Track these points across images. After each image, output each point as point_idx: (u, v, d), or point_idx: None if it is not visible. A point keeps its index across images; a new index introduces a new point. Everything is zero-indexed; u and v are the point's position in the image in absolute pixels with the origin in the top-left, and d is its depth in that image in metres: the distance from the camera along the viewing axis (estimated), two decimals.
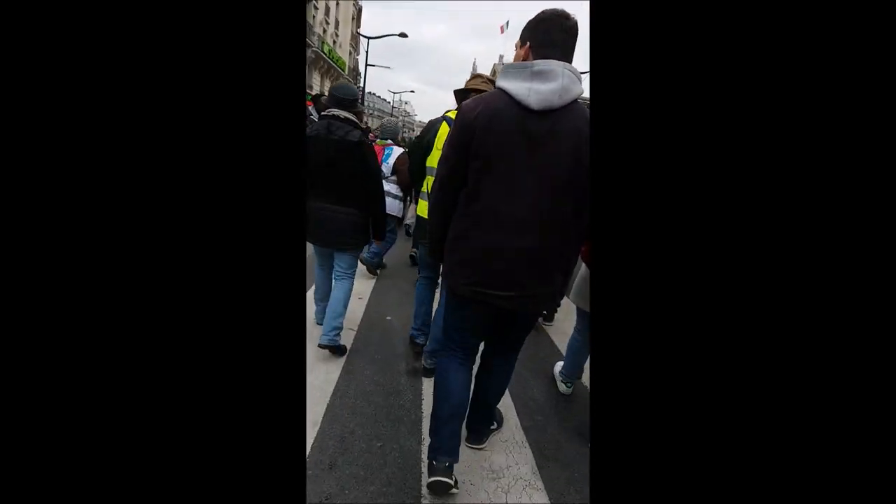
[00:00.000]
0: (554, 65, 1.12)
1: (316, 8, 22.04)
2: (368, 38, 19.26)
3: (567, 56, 1.15)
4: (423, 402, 2.00)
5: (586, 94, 1.19)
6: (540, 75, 1.12)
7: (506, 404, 2.04)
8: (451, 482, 1.39)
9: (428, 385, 2.12)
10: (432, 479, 1.38)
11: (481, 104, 1.18)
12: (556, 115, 1.13)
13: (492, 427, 1.79)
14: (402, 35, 18.45)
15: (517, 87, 1.13)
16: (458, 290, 1.31)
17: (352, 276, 2.33)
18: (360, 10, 36.11)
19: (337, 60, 25.53)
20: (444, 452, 1.40)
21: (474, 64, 66.46)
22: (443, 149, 1.31)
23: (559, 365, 2.35)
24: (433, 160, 2.05)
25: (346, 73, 29.08)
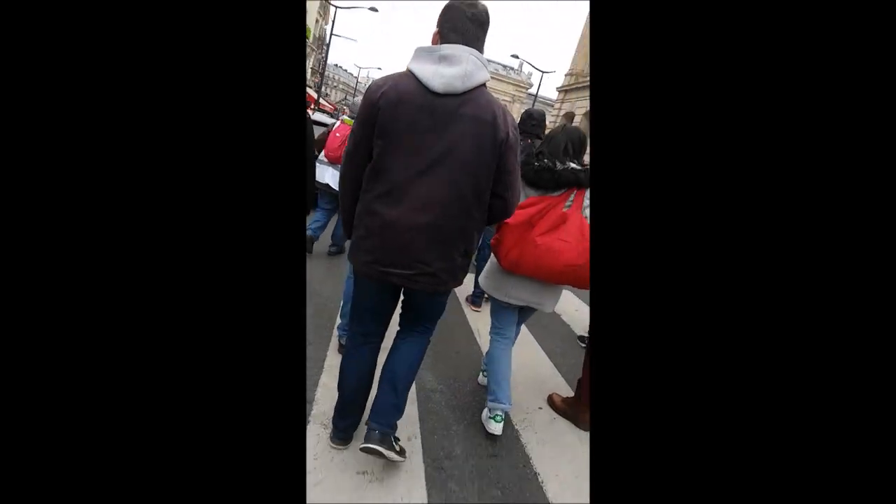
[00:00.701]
0: (460, 50, 1.18)
1: None
2: (337, 6, 18.79)
3: (471, 43, 1.21)
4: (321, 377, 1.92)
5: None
6: (446, 59, 1.18)
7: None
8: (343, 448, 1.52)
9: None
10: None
11: (388, 83, 1.22)
12: (460, 99, 1.19)
13: (395, 443, 1.48)
14: (373, 10, 18.10)
15: (424, 69, 1.19)
16: (358, 267, 1.33)
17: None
18: None
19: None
20: (338, 438, 1.54)
21: None
22: (353, 123, 1.34)
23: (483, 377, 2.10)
24: None
25: (311, 41, 27.69)
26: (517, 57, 24.21)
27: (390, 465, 1.51)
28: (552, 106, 29.54)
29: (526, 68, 47.21)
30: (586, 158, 1.74)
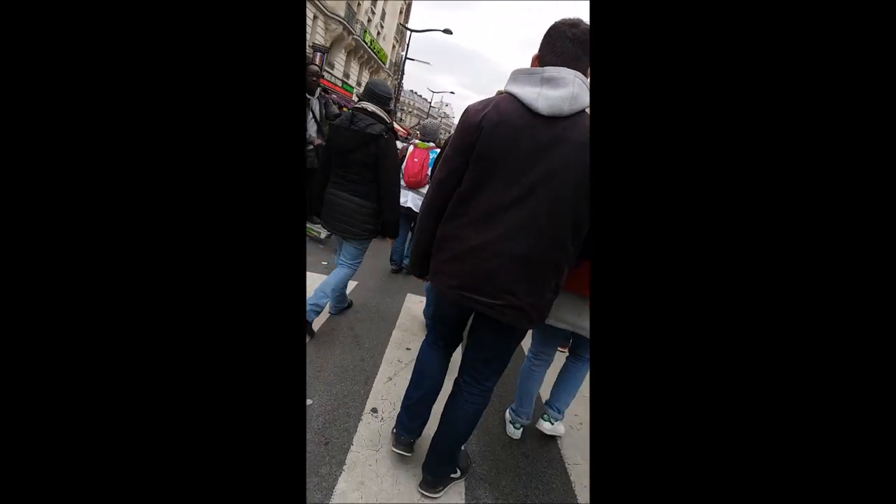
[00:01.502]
0: (565, 72, 1.09)
1: None
2: (412, 30, 19.48)
3: (570, 63, 1.11)
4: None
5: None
6: (550, 81, 1.09)
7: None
8: (408, 454, 1.54)
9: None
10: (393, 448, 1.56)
11: (489, 106, 1.14)
12: (565, 122, 1.09)
13: (453, 475, 1.55)
14: (447, 31, 18.12)
15: (527, 91, 1.11)
16: (442, 293, 1.26)
17: (351, 267, 2.37)
18: (409, 6, 35.64)
19: (378, 52, 25.01)
20: (404, 429, 1.53)
21: None
22: (445, 150, 1.28)
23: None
24: None
25: (388, 66, 28.58)
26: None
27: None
28: None
29: None
30: None
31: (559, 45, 1.11)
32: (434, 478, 1.48)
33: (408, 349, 2.42)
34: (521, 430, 1.88)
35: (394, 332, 2.62)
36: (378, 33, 26.53)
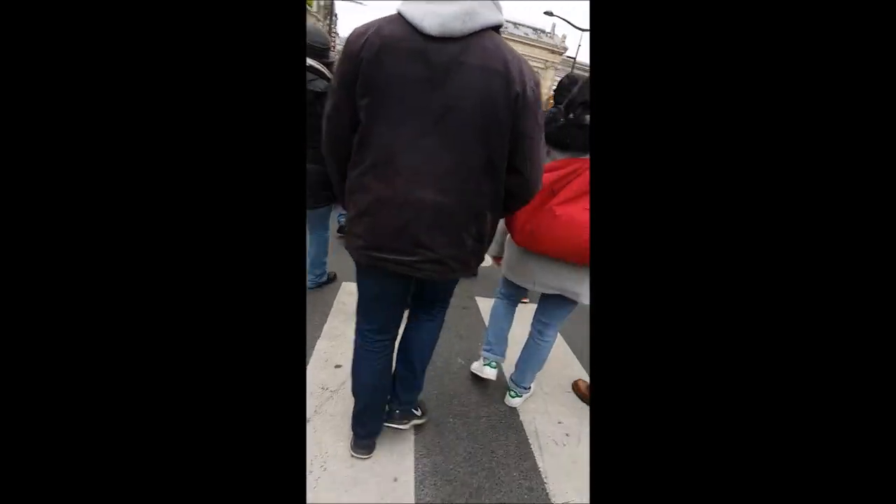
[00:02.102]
0: None
1: None
2: None
3: None
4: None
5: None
6: None
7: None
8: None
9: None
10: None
11: (371, 28, 0.95)
12: (461, 44, 0.93)
13: (416, 412, 1.55)
14: None
15: (413, 7, 0.93)
16: (351, 254, 1.13)
17: (319, 232, 2.31)
18: None
19: None
20: (360, 447, 1.43)
21: None
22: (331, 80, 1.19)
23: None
24: None
25: (315, 9, 26.70)
26: (551, 14, 21.04)
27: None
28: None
29: (560, 29, 42.96)
30: None
31: None
32: (401, 409, 1.47)
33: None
34: (497, 368, 1.87)
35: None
36: None
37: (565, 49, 37.42)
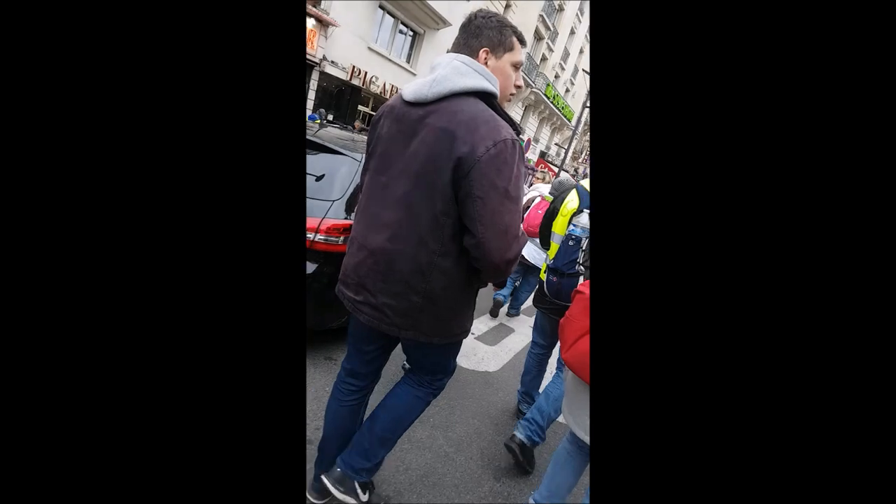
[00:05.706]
0: (444, 57, 1.08)
1: (551, 50, 21.88)
2: None
3: (459, 50, 1.09)
4: None
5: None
6: (431, 70, 1.08)
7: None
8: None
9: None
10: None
11: (389, 104, 1.16)
12: (429, 107, 1.04)
13: (357, 487, 1.28)
14: None
15: (410, 83, 1.11)
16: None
17: None
18: None
19: (563, 108, 25.40)
20: (314, 490, 1.38)
21: None
22: None
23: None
24: (557, 226, 1.99)
25: (573, 123, 28.73)
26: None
27: None
28: None
29: None
30: None
31: (458, 37, 1.12)
32: (343, 470, 1.27)
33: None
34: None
35: None
36: (567, 90, 27.05)
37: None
